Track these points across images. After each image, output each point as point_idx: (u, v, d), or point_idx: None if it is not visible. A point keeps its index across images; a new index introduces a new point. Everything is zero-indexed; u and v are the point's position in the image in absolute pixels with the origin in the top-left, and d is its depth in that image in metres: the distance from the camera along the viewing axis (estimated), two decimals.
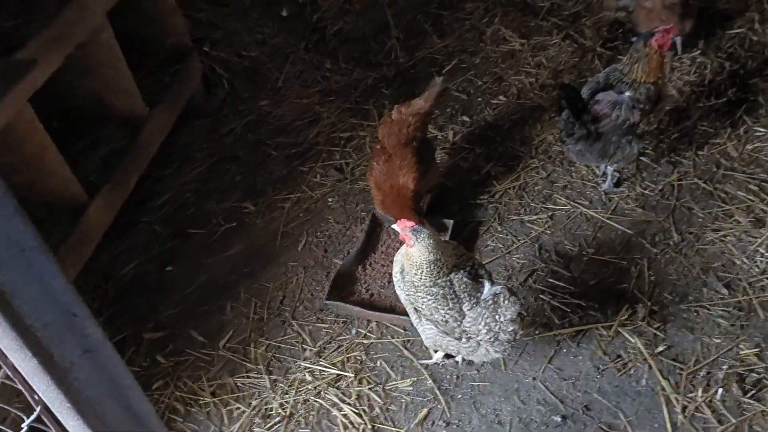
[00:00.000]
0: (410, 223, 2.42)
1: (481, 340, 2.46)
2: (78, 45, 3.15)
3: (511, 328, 2.41)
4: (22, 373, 1.33)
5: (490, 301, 2.40)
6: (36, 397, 1.38)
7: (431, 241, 2.39)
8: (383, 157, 3.16)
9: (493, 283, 2.47)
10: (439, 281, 2.42)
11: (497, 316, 2.39)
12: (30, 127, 2.88)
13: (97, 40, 3.33)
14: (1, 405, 1.49)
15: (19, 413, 1.45)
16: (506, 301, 2.38)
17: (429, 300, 2.44)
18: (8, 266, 1.25)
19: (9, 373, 1.33)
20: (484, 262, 3.15)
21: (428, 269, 2.40)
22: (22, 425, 1.43)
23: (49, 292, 1.30)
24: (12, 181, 3.03)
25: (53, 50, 2.85)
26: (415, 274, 2.43)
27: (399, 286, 2.55)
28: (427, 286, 2.43)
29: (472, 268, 2.50)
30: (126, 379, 1.49)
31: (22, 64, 2.65)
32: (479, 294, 2.45)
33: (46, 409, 1.39)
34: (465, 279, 2.45)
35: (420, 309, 2.50)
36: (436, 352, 2.78)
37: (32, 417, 1.40)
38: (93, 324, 1.39)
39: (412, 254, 2.42)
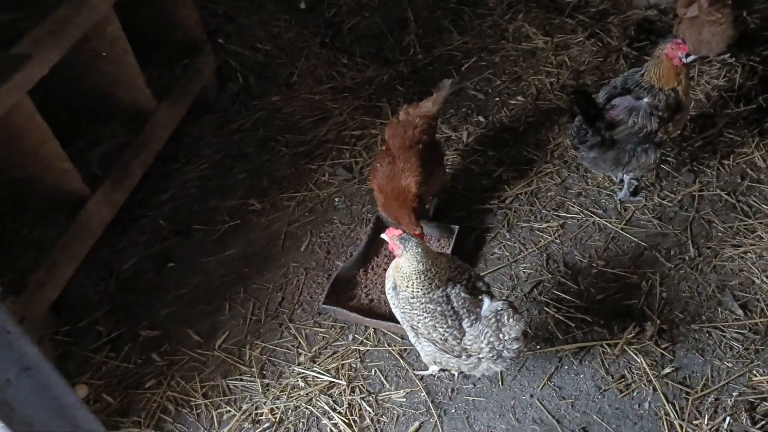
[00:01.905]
0: (398, 232, 2.33)
1: (482, 357, 2.35)
2: (83, 38, 3.12)
3: (515, 347, 2.30)
4: None
5: (493, 319, 2.29)
6: None
7: (420, 250, 2.29)
8: (387, 158, 3.07)
9: (492, 298, 2.36)
10: (434, 297, 2.32)
11: (500, 335, 2.29)
12: (29, 120, 2.86)
13: (103, 34, 3.30)
14: None
15: None
16: (510, 320, 2.27)
17: (426, 318, 2.33)
18: None
19: None
20: (489, 271, 3.05)
21: (418, 280, 2.31)
22: None
23: None
24: (12, 175, 3.06)
25: (50, 45, 2.82)
26: (407, 286, 2.33)
27: (394, 304, 2.45)
28: (423, 303, 2.32)
29: (469, 281, 2.39)
30: (70, 398, 1.43)
31: (16, 59, 2.62)
32: (479, 309, 2.34)
33: None
34: (462, 294, 2.34)
35: (417, 328, 2.39)
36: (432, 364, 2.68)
37: None
38: (28, 342, 1.33)
39: (401, 265, 2.33)
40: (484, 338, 2.28)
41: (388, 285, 2.48)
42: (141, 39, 3.70)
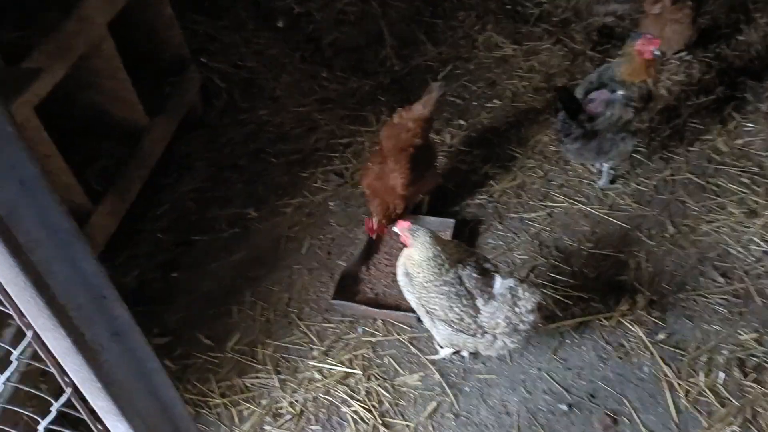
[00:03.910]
0: (407, 223, 2.49)
1: (498, 333, 2.50)
2: (81, 56, 3.20)
3: (531, 318, 2.45)
4: (54, 354, 1.36)
5: (508, 295, 2.45)
6: (66, 379, 1.40)
7: (428, 238, 2.45)
8: (379, 158, 3.23)
9: (503, 276, 2.52)
10: (447, 278, 2.47)
11: (517, 309, 2.44)
12: (36, 135, 2.92)
13: (99, 52, 3.38)
14: (29, 389, 1.52)
15: (47, 396, 1.48)
16: (526, 293, 2.43)
17: (441, 299, 2.48)
18: (43, 247, 1.27)
19: (41, 354, 1.35)
20: None
21: (429, 266, 2.46)
22: (51, 408, 1.45)
23: (80, 273, 1.33)
24: None
25: (57, 60, 2.90)
26: (419, 273, 2.48)
27: (408, 290, 2.59)
28: (437, 286, 2.47)
29: (478, 263, 2.55)
30: (152, 363, 1.52)
31: (28, 73, 2.69)
32: (490, 288, 2.49)
33: (76, 391, 1.42)
34: (474, 274, 2.50)
35: (433, 311, 2.53)
36: (442, 348, 2.82)
37: (62, 399, 1.42)
38: (121, 307, 1.42)
39: (412, 254, 2.48)
40: (501, 314, 2.43)
41: (400, 272, 2.62)
42: (129, 59, 3.79)
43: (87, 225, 3.16)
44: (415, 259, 2.50)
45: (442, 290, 2.47)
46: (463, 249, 2.61)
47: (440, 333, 2.62)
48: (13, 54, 2.86)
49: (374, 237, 3.22)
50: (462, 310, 2.47)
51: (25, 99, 2.71)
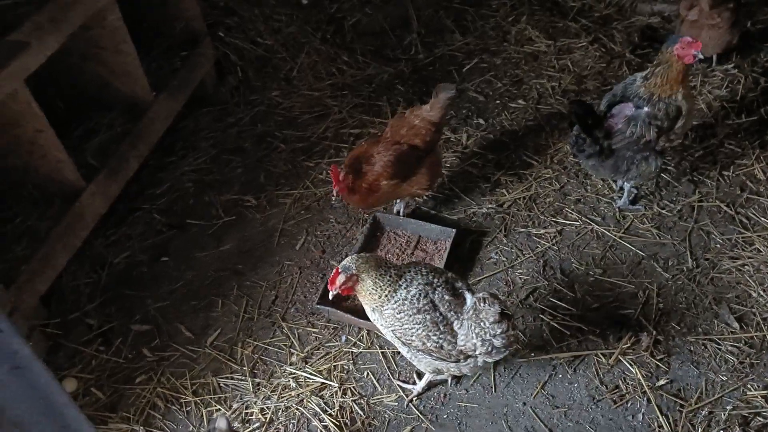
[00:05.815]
0: (335, 272, 2.31)
1: (479, 354, 2.32)
2: (83, 27, 3.08)
3: (499, 330, 2.25)
4: None
5: (472, 311, 2.27)
6: None
7: (356, 266, 2.29)
8: (372, 141, 3.07)
9: (473, 293, 2.33)
10: (420, 306, 2.29)
11: (482, 323, 2.26)
12: (26, 109, 2.82)
13: (103, 23, 3.26)
14: None
15: None
16: (484, 304, 2.24)
17: (418, 329, 2.30)
18: None
19: None
20: (485, 276, 3.03)
21: (379, 287, 2.30)
22: None
23: None
24: (7, 163, 3.02)
25: (50, 32, 2.78)
26: (379, 301, 2.31)
27: (381, 325, 2.41)
28: (410, 315, 2.30)
29: (448, 282, 2.36)
30: (60, 397, 1.40)
31: (14, 45, 2.57)
32: (464, 308, 2.31)
33: None
34: (446, 296, 2.31)
35: (411, 342, 2.36)
36: (419, 380, 2.65)
37: None
38: (19, 340, 1.30)
39: (359, 290, 2.33)
40: (472, 333, 2.25)
41: (368, 310, 2.44)
42: (141, 30, 3.66)
43: (76, 203, 3.07)
44: (363, 291, 2.33)
45: (417, 319, 2.29)
46: (429, 269, 2.39)
47: (422, 362, 2.44)
48: (6, 23, 2.75)
49: (335, 194, 2.99)
50: (439, 338, 2.29)
51: (11, 72, 2.60)
